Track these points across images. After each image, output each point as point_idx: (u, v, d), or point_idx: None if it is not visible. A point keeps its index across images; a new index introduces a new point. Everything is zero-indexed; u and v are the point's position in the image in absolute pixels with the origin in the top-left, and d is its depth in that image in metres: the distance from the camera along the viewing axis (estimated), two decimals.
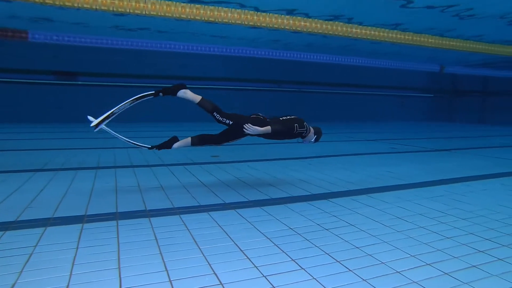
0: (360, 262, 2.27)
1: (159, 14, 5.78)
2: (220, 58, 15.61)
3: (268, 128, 3.67)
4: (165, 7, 5.69)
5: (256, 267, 2.19)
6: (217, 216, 3.14)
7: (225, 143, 4.06)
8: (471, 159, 6.84)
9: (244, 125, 3.67)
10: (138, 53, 13.90)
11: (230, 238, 2.64)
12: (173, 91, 3.76)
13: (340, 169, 5.51)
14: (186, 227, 2.86)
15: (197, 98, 3.77)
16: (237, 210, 3.32)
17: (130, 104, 3.91)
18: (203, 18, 6.09)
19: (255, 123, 3.71)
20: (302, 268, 2.17)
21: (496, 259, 2.35)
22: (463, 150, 8.19)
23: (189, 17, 5.99)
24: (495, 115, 20.73)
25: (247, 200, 3.67)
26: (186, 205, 3.45)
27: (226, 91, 17.50)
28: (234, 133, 3.92)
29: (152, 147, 4.05)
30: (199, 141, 3.98)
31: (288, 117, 3.97)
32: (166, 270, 2.13)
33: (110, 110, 3.83)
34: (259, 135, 3.73)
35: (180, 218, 3.07)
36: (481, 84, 20.99)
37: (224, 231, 2.77)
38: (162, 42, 10.98)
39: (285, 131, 3.83)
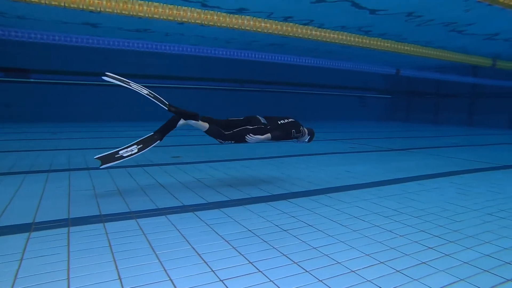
0: (316, 263, 2.30)
1: (115, 11, 5.57)
2: (182, 57, 15.38)
3: (268, 136, 3.91)
4: (121, 4, 5.48)
5: (213, 271, 2.15)
6: (175, 219, 3.07)
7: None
8: (424, 158, 7.18)
9: (246, 136, 3.86)
10: (92, 50, 13.34)
11: (188, 242, 2.59)
12: (187, 115, 3.67)
13: (300, 169, 5.59)
14: (143, 231, 2.77)
15: (205, 126, 3.75)
16: (195, 212, 3.27)
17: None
18: (161, 17, 5.94)
19: (256, 132, 3.90)
20: (259, 271, 2.17)
21: (444, 254, 2.47)
22: (418, 150, 8.59)
23: (147, 15, 5.82)
24: (448, 116, 21.96)
25: (206, 202, 3.63)
26: (143, 209, 3.35)
27: (188, 90, 17.27)
28: (238, 139, 3.96)
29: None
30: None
31: (286, 120, 4.19)
32: (120, 278, 2.05)
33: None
34: None
35: (137, 222, 2.98)
36: (435, 86, 22.13)
37: (182, 235, 2.71)
38: (121, 40, 10.62)
39: (283, 136, 4.06)
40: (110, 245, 2.50)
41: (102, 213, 3.19)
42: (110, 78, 3.50)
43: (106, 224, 2.92)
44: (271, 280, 2.06)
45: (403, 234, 2.85)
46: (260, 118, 4.07)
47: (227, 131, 3.89)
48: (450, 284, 2.07)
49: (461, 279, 2.13)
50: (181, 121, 3.72)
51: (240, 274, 2.12)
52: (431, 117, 22.93)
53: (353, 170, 5.59)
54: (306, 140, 4.49)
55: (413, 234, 2.86)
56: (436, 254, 2.48)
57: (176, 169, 5.34)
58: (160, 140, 3.79)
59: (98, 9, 5.34)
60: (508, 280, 2.14)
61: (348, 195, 4.02)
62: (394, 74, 16.36)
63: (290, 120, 4.22)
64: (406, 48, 10.12)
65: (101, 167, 3.52)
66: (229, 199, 3.74)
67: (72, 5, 5.40)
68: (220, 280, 2.05)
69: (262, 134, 3.90)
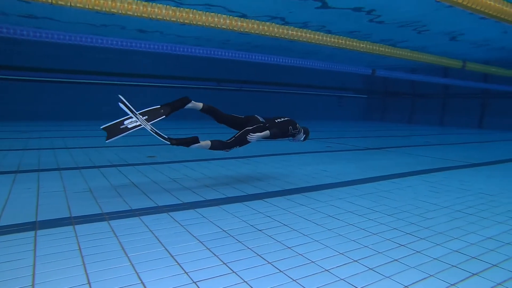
0: (291, 262, 2.30)
1: (87, 7, 5.38)
2: (158, 56, 15.13)
3: (267, 133, 4.06)
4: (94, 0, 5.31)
5: (186, 273, 2.12)
6: (149, 220, 3.01)
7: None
8: (399, 157, 7.34)
9: (247, 137, 4.00)
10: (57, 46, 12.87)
11: (161, 243, 2.54)
12: (188, 143, 3.74)
13: (276, 168, 5.60)
14: (115, 233, 2.70)
15: (207, 144, 3.83)
16: (170, 213, 3.21)
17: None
18: (135, 14, 5.79)
19: (255, 130, 4.06)
20: (233, 272, 2.15)
21: (415, 251, 2.53)
22: (393, 149, 8.78)
23: (120, 11, 5.66)
24: (422, 115, 22.58)
25: (181, 202, 3.57)
26: (116, 210, 3.26)
27: (163, 88, 17.03)
28: (242, 143, 4.06)
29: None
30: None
31: (283, 119, 4.42)
32: (89, 283, 1.98)
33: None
34: None
35: (109, 224, 2.90)
36: (410, 86, 22.70)
37: (155, 236, 2.66)
38: (93, 37, 10.30)
39: (281, 133, 4.25)
40: (79, 248, 2.42)
41: (73, 215, 3.08)
42: (123, 105, 3.50)
43: (76, 226, 2.83)
44: (245, 281, 2.05)
45: (376, 232, 2.90)
46: (258, 117, 4.22)
47: (229, 139, 4.01)
48: (420, 280, 2.12)
49: (431, 275, 2.18)
50: (190, 104, 3.93)
51: (214, 276, 2.10)
52: (406, 117, 23.52)
53: (329, 169, 5.65)
54: (302, 139, 4.67)
55: (386, 232, 2.91)
56: (407, 251, 2.53)
57: (151, 169, 5.25)
58: (166, 116, 3.79)
59: (69, 4, 5.16)
60: (474, 274, 2.21)
61: (323, 194, 4.06)
62: (370, 75, 16.69)
63: (286, 118, 4.45)
64: (373, 47, 10.23)
65: (107, 141, 3.51)
66: (204, 199, 3.69)
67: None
68: (194, 282, 2.02)
69: (261, 132, 4.06)
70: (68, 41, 9.63)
